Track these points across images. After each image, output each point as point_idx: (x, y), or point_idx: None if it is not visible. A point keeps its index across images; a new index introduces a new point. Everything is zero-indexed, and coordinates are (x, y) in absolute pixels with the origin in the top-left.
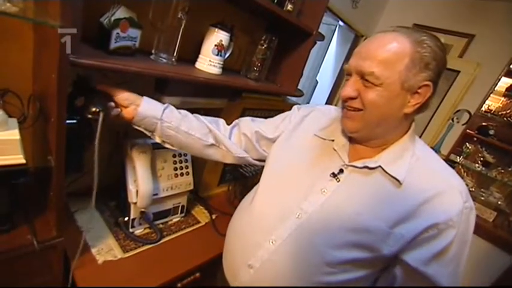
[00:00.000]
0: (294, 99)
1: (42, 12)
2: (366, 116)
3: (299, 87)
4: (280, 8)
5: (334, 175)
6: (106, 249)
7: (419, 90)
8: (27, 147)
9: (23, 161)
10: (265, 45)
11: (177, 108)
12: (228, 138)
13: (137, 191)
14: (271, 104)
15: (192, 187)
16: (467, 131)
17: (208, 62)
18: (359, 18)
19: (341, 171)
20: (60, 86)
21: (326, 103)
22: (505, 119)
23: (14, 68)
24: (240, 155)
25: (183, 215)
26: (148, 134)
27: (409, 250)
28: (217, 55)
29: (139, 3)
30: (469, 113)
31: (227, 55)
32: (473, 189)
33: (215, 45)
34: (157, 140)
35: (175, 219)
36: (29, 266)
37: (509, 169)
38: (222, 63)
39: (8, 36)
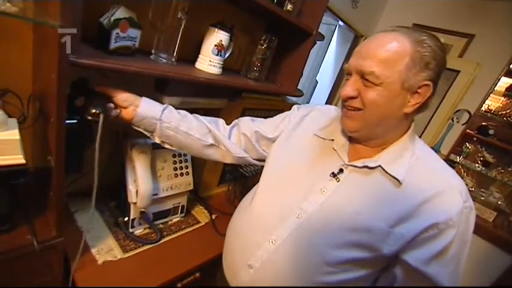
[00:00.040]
0: (293, 99)
1: (42, 12)
2: (366, 115)
3: (299, 87)
4: (280, 8)
5: (334, 175)
6: (106, 250)
7: (419, 90)
8: (27, 147)
9: (23, 161)
10: (265, 45)
11: (177, 108)
12: (228, 138)
13: (137, 191)
14: (271, 104)
15: (192, 187)
16: (467, 130)
17: (208, 62)
18: (359, 18)
19: (341, 171)
20: (60, 86)
21: (326, 103)
22: (504, 118)
23: (13, 68)
24: (240, 155)
25: (183, 215)
26: (148, 134)
27: (409, 250)
28: (217, 55)
29: (139, 3)
30: (469, 112)
31: (227, 55)
32: (473, 189)
33: (215, 45)
34: (157, 140)
35: (175, 219)
36: (29, 266)
37: (509, 169)
38: (222, 63)
39: (7, 36)
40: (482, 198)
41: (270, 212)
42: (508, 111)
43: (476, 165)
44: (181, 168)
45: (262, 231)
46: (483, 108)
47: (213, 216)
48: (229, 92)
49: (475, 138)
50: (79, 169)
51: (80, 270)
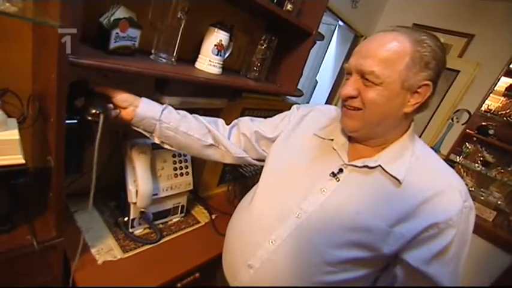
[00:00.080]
0: (293, 99)
1: (42, 12)
2: (366, 115)
3: (299, 87)
4: (280, 7)
5: (333, 174)
6: (106, 250)
7: (419, 90)
8: (27, 147)
9: (23, 161)
10: (264, 45)
11: (177, 108)
12: (227, 138)
13: (137, 191)
14: (271, 104)
15: (191, 187)
16: (467, 130)
17: (208, 62)
18: (359, 18)
19: (341, 170)
20: (60, 86)
21: (326, 103)
22: (504, 118)
23: (13, 68)
24: (239, 155)
25: (182, 215)
26: (147, 134)
27: (409, 249)
28: (217, 55)
29: (139, 3)
30: (469, 112)
31: (227, 55)
32: (472, 189)
33: (215, 45)
34: (156, 140)
35: (175, 219)
36: (29, 266)
37: (509, 169)
38: (221, 63)
39: (7, 36)
40: (482, 198)
41: (270, 212)
42: (507, 111)
43: (476, 165)
44: (181, 168)
45: (262, 231)
46: (483, 108)
47: (213, 216)
48: (229, 92)
49: (474, 138)
50: (79, 169)
51: (79, 270)
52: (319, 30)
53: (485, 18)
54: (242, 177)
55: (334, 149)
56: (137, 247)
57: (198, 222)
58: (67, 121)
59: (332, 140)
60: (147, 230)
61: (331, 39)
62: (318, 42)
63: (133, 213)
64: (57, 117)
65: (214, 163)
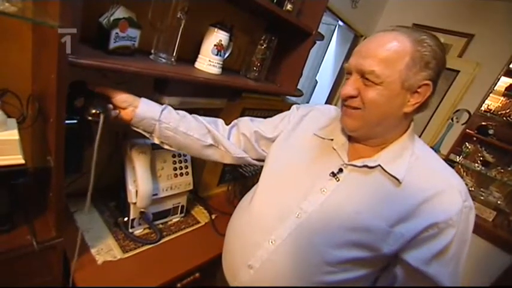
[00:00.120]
0: (293, 99)
1: (41, 12)
2: (366, 114)
3: (298, 87)
4: (280, 7)
5: (333, 174)
6: (105, 250)
7: (419, 90)
8: (27, 147)
9: (22, 162)
10: (264, 45)
11: (177, 108)
12: (227, 138)
13: (137, 191)
14: (271, 104)
15: (191, 187)
16: (467, 130)
17: (208, 62)
18: (358, 18)
19: (340, 170)
20: (60, 86)
21: (325, 103)
22: (504, 118)
23: (13, 68)
24: (239, 155)
25: (182, 215)
26: (147, 135)
27: (409, 249)
28: (216, 55)
29: (139, 3)
30: (469, 112)
31: (226, 55)
32: (472, 189)
33: (214, 45)
34: (156, 141)
35: (175, 219)
36: (29, 267)
37: (509, 168)
38: (221, 63)
39: (7, 36)
40: (482, 197)
41: (270, 212)
42: (507, 111)
43: (476, 165)
44: (180, 168)
45: (262, 231)
46: (483, 108)
47: (213, 216)
48: (229, 92)
49: (474, 138)
50: (79, 169)
51: (79, 270)
52: (319, 30)
53: (485, 18)
54: (242, 177)
55: (334, 149)
56: (137, 247)
57: (198, 222)
58: (67, 121)
59: (332, 139)
60: (147, 230)
61: (331, 39)
62: (317, 42)
63: (133, 214)
64: (56, 118)
65: (214, 163)
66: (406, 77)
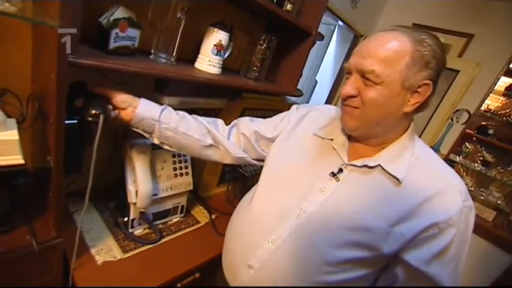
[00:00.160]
0: (293, 99)
1: (41, 12)
2: (366, 114)
3: (298, 87)
4: (280, 7)
5: (333, 174)
6: (105, 250)
7: (419, 89)
8: (26, 147)
9: (22, 162)
10: (264, 45)
11: (176, 108)
12: (227, 138)
13: (137, 191)
14: (271, 104)
15: (191, 187)
16: (467, 130)
17: (208, 62)
18: (358, 18)
19: (340, 170)
20: (59, 86)
21: (325, 103)
22: (504, 118)
23: (12, 68)
24: (239, 155)
25: (182, 215)
26: (147, 135)
27: (409, 249)
28: (216, 55)
29: (139, 3)
30: (469, 112)
31: (226, 55)
32: (472, 189)
33: (214, 45)
34: (156, 141)
35: (175, 219)
36: (29, 267)
37: (509, 168)
38: (221, 63)
39: (7, 36)
40: (482, 197)
41: (270, 212)
42: (507, 110)
43: (476, 164)
44: (180, 168)
45: (262, 231)
46: (482, 108)
47: (213, 216)
48: (229, 92)
49: (474, 138)
50: (78, 169)
51: (79, 270)
52: (318, 30)
53: (485, 18)
54: (242, 177)
55: (334, 149)
56: (137, 247)
57: (198, 222)
58: (66, 121)
59: (332, 139)
60: (147, 230)
61: (331, 39)
62: (317, 42)
63: (133, 214)
64: (56, 118)
65: (214, 163)
66: (406, 76)
